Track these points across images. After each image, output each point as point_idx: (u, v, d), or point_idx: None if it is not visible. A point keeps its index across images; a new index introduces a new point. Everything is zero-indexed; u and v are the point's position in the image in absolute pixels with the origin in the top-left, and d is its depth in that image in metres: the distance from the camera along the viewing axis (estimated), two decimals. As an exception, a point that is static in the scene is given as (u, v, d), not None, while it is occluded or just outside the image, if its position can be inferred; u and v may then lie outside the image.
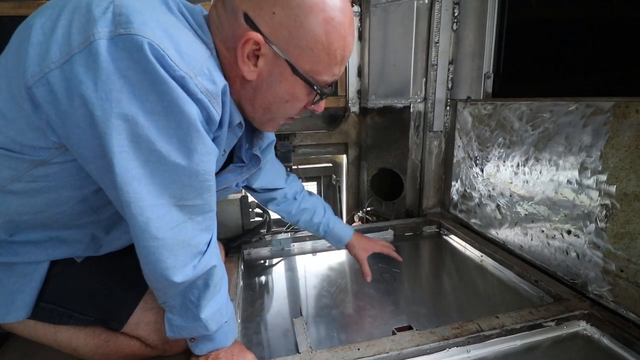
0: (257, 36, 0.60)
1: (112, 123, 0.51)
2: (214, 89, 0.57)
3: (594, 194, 0.97)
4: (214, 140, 0.66)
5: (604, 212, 0.95)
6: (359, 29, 1.75)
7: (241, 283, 1.18)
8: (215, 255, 0.71)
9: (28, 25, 0.55)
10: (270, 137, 1.01)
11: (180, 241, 0.62)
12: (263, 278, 1.28)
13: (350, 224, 1.89)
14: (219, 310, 0.72)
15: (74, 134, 0.55)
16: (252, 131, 0.86)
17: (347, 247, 1.19)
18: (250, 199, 1.50)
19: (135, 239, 0.61)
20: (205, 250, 0.68)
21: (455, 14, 1.51)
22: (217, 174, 0.82)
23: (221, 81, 0.60)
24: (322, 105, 0.75)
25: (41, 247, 0.73)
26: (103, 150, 0.53)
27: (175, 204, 0.60)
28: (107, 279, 0.80)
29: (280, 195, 1.15)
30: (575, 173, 1.02)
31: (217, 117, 0.61)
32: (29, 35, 0.53)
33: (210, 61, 0.59)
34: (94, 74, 0.50)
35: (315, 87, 0.67)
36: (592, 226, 0.98)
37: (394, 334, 0.88)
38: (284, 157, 1.79)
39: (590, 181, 0.98)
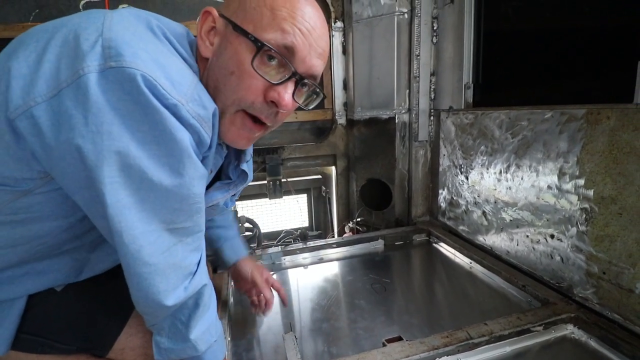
0: (212, 10, 0.63)
1: (103, 156, 0.51)
2: (205, 114, 0.58)
3: (574, 198, 1.00)
4: (202, 160, 0.66)
5: (584, 215, 0.97)
6: (342, 43, 1.79)
7: (231, 299, 1.16)
8: (205, 274, 0.70)
9: (8, 57, 0.54)
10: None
11: (171, 264, 0.62)
12: (254, 293, 1.26)
13: (341, 235, 1.90)
14: (208, 330, 0.71)
15: (59, 166, 0.54)
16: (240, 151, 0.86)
17: (240, 264, 1.08)
18: (240, 213, 1.50)
19: (126, 266, 0.59)
20: (196, 271, 0.67)
21: (435, 28, 1.56)
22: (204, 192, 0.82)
23: (211, 105, 0.60)
24: (282, 93, 0.62)
25: (17, 282, 0.70)
26: (91, 181, 0.53)
27: (165, 228, 0.60)
28: (88, 305, 0.77)
29: None
30: (555, 178, 1.05)
31: (208, 140, 0.61)
32: (9, 68, 0.53)
33: (199, 86, 0.59)
34: (84, 107, 0.50)
35: (251, 36, 0.59)
36: (573, 230, 1.01)
37: (384, 345, 0.88)
38: (273, 170, 1.80)
39: (569, 186, 1.01)
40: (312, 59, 0.63)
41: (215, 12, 0.64)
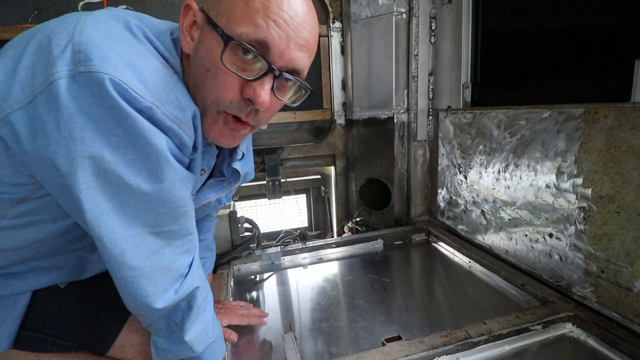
0: (192, 3, 0.61)
1: (76, 161, 0.51)
2: (182, 116, 0.57)
3: (572, 197, 1.00)
4: (190, 163, 0.65)
5: (582, 214, 0.97)
6: (341, 43, 1.79)
7: (231, 300, 1.16)
8: (198, 276, 0.70)
9: None
10: (247, 163, 0.96)
11: (158, 268, 0.61)
12: (254, 294, 1.27)
13: (340, 235, 1.90)
14: (205, 331, 0.71)
15: (37, 172, 0.55)
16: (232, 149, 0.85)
17: None
18: (239, 213, 1.50)
19: (112, 270, 0.60)
20: (187, 273, 0.67)
21: (433, 28, 1.56)
22: (197, 191, 0.82)
23: (190, 106, 0.59)
24: (258, 90, 0.58)
25: (23, 277, 0.71)
26: (68, 187, 0.53)
27: (150, 232, 0.60)
28: (90, 303, 0.79)
29: None
30: (553, 177, 1.05)
31: (190, 142, 0.60)
32: None
33: (178, 87, 0.57)
34: (56, 114, 0.49)
35: (219, 30, 0.56)
36: (572, 229, 1.01)
37: (383, 344, 0.88)
38: (272, 170, 1.80)
39: (567, 185, 1.01)
40: (291, 52, 0.58)
41: (195, 6, 0.61)
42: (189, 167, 0.66)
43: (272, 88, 0.60)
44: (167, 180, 0.57)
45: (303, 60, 0.61)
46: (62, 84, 0.49)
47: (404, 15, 1.56)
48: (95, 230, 0.55)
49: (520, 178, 1.17)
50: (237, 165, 0.81)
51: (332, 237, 1.93)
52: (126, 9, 1.53)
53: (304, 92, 0.66)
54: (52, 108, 0.49)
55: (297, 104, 0.67)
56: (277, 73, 0.59)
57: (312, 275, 1.36)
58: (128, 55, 0.52)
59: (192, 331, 0.68)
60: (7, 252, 0.67)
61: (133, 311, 0.67)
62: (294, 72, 0.61)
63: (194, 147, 0.63)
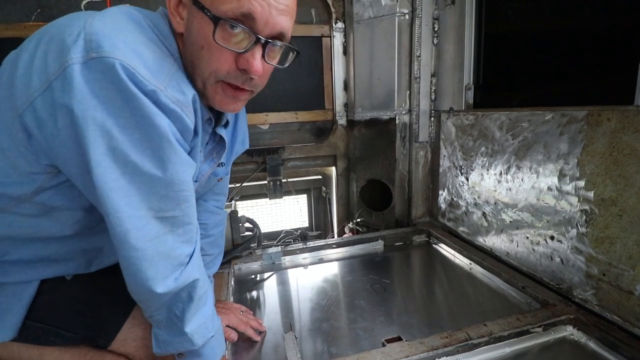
0: None
1: (89, 139, 0.55)
2: (184, 99, 0.61)
3: (574, 200, 1.00)
4: (191, 150, 0.68)
5: (584, 217, 0.97)
6: (343, 44, 1.79)
7: (231, 299, 1.16)
8: (198, 268, 0.71)
9: (15, 61, 0.60)
10: (240, 143, 0.98)
11: (160, 252, 0.63)
12: (254, 293, 1.27)
13: (341, 235, 1.90)
14: (205, 324, 0.72)
15: (62, 154, 0.58)
16: (215, 114, 0.85)
17: None
18: (240, 213, 1.50)
19: (117, 249, 0.62)
20: (188, 262, 0.69)
21: (435, 29, 1.56)
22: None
23: (190, 91, 0.62)
24: (251, 60, 0.63)
25: (32, 266, 0.73)
26: (86, 164, 0.57)
27: (154, 216, 0.62)
28: (95, 295, 0.80)
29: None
30: (555, 180, 1.05)
31: (192, 125, 0.64)
32: (15, 69, 0.58)
33: (178, 74, 0.62)
34: (70, 96, 0.53)
35: (207, 11, 0.60)
36: (573, 231, 1.01)
37: (383, 345, 0.88)
38: (273, 170, 1.80)
39: (570, 187, 1.01)
40: (274, 18, 0.62)
41: None
42: (190, 154, 0.69)
43: (262, 56, 0.65)
44: (170, 162, 0.60)
45: (286, 23, 0.65)
46: (76, 69, 0.53)
47: (407, 16, 1.56)
48: (103, 207, 0.59)
49: (522, 180, 1.17)
50: (221, 131, 0.83)
51: (333, 237, 1.93)
52: (129, 7, 1.54)
53: (291, 53, 0.71)
54: (66, 91, 0.53)
55: (287, 64, 0.72)
56: (264, 41, 0.63)
57: (313, 275, 1.36)
58: (134, 44, 0.57)
59: (193, 323, 0.69)
60: (24, 236, 0.70)
61: (135, 295, 0.68)
62: (280, 36, 0.65)
63: (195, 132, 0.67)
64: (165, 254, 0.64)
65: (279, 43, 0.65)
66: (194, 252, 0.70)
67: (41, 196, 0.65)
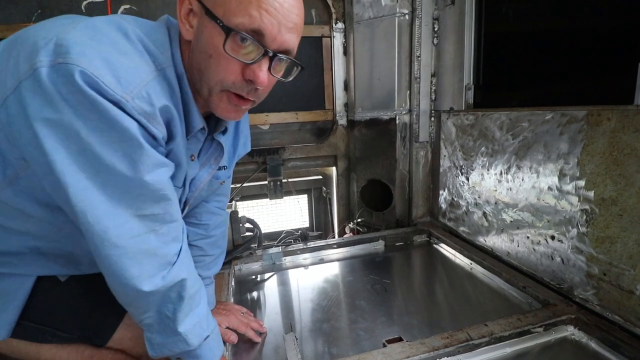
0: None
1: (58, 139, 0.55)
2: (151, 110, 0.61)
3: (574, 200, 1.00)
4: (169, 153, 0.69)
5: (585, 217, 0.97)
6: (343, 44, 1.79)
7: (232, 300, 1.17)
8: (186, 267, 0.71)
9: None
10: (242, 146, 0.99)
11: (143, 250, 0.63)
12: (255, 294, 1.27)
13: (342, 236, 1.90)
14: (199, 323, 0.72)
15: (26, 152, 0.59)
16: (215, 121, 0.86)
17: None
18: (241, 213, 1.50)
19: (96, 250, 0.61)
20: (175, 262, 0.68)
21: (435, 29, 1.56)
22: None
23: (159, 101, 0.62)
24: (257, 72, 0.65)
25: (21, 258, 0.73)
26: (51, 166, 0.57)
27: (133, 215, 0.62)
28: (90, 297, 0.81)
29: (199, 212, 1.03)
30: (555, 179, 1.05)
31: (160, 135, 0.64)
32: None
33: (153, 84, 0.62)
34: (40, 98, 0.55)
35: (219, 22, 0.61)
36: (574, 231, 1.01)
37: (384, 346, 0.88)
38: (274, 170, 1.81)
39: (570, 187, 1.01)
40: (283, 36, 0.64)
41: None
42: (168, 157, 0.69)
43: (268, 68, 0.67)
44: (141, 163, 0.60)
45: (293, 41, 0.68)
46: (44, 71, 0.54)
47: (407, 17, 1.56)
48: (78, 206, 0.58)
49: (522, 180, 1.17)
50: (219, 138, 0.84)
51: (333, 237, 1.94)
52: (129, 8, 1.54)
53: (295, 68, 0.73)
54: (35, 92, 0.55)
55: (291, 78, 0.75)
56: (271, 55, 0.66)
57: (313, 275, 1.36)
58: (107, 53, 0.57)
59: (186, 323, 0.69)
60: (12, 222, 0.70)
61: (121, 298, 0.68)
62: (286, 51, 0.68)
63: (170, 138, 0.68)
64: (150, 252, 0.64)
65: (285, 57, 0.68)
66: (181, 250, 0.70)
67: (16, 186, 0.65)
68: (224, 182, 0.97)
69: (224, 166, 0.92)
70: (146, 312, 0.68)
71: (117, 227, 0.60)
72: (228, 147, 0.90)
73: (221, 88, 0.68)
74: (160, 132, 0.64)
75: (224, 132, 0.85)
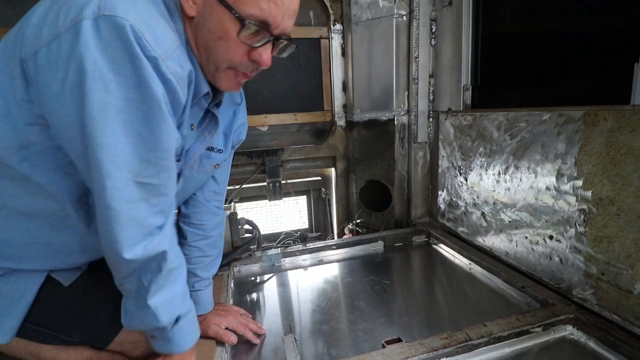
0: None
1: (87, 90, 0.57)
2: (181, 72, 0.65)
3: (572, 200, 1.00)
4: (179, 125, 0.72)
5: (582, 216, 0.97)
6: (342, 45, 1.80)
7: (231, 301, 1.17)
8: (169, 241, 0.71)
9: (29, 13, 0.63)
10: (238, 129, 1.00)
11: (132, 217, 0.64)
12: (254, 295, 1.27)
13: (341, 237, 1.90)
14: (171, 300, 0.72)
15: (52, 105, 0.60)
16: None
17: (207, 320, 0.97)
18: (240, 215, 1.50)
19: (96, 204, 0.64)
20: (158, 234, 0.69)
21: (433, 30, 1.57)
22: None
23: (187, 66, 0.67)
24: (264, 55, 0.73)
25: (24, 250, 0.74)
26: (75, 117, 0.59)
27: (133, 180, 0.63)
28: (92, 303, 0.81)
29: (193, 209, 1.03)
30: (553, 179, 1.05)
31: (183, 99, 0.67)
32: (29, 19, 0.61)
33: (180, 49, 0.66)
34: (77, 47, 0.56)
35: (234, 12, 0.66)
36: (572, 231, 1.01)
37: (383, 347, 0.88)
38: (273, 172, 1.81)
39: (567, 187, 1.01)
40: (285, 22, 0.71)
41: None
42: (178, 129, 0.72)
43: (271, 50, 0.74)
44: (157, 126, 0.63)
45: (291, 25, 0.75)
46: (87, 24, 0.55)
47: (405, 18, 1.56)
48: (87, 160, 0.61)
49: (520, 180, 1.17)
50: (214, 109, 0.86)
51: (333, 238, 1.94)
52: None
53: (290, 46, 0.80)
54: (74, 44, 0.56)
55: (285, 55, 0.82)
56: (274, 39, 0.73)
57: (313, 276, 1.36)
58: (145, 14, 0.60)
59: (158, 296, 0.69)
60: (15, 202, 0.70)
61: (107, 258, 0.69)
62: (285, 34, 0.75)
63: (183, 110, 0.70)
64: (137, 220, 0.65)
65: (285, 40, 0.75)
66: (165, 224, 0.70)
67: (25, 152, 0.66)
68: (218, 165, 0.97)
69: (220, 149, 0.93)
70: (127, 277, 0.70)
71: (115, 190, 0.62)
72: (224, 126, 0.94)
73: (228, 66, 0.74)
74: (183, 95, 0.67)
75: (218, 104, 0.88)
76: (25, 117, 0.63)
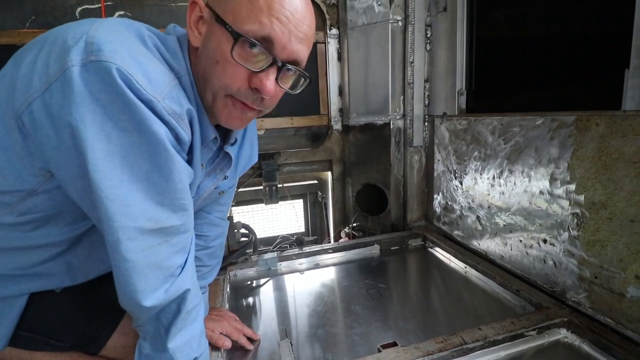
0: (199, 0, 0.66)
1: (87, 143, 0.54)
2: (180, 111, 0.61)
3: (565, 204, 1.01)
4: (188, 163, 0.68)
5: (575, 220, 0.98)
6: (338, 50, 1.81)
7: (227, 306, 1.16)
8: (190, 278, 0.69)
9: (18, 61, 0.60)
10: (247, 157, 0.98)
11: (151, 264, 0.62)
12: (250, 299, 1.26)
13: (337, 240, 1.90)
14: (190, 342, 0.69)
15: (55, 157, 0.58)
16: (223, 133, 0.85)
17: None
18: (236, 219, 1.50)
19: (110, 256, 0.61)
20: (179, 274, 0.67)
21: (428, 35, 1.59)
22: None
23: (187, 104, 0.63)
24: (264, 81, 0.64)
25: (15, 281, 0.72)
26: (81, 169, 0.56)
27: (149, 227, 0.60)
28: (84, 306, 0.80)
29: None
30: (546, 184, 1.06)
31: (187, 137, 0.63)
32: (18, 70, 0.58)
33: (177, 88, 0.62)
34: (70, 98, 0.53)
35: (228, 27, 0.61)
36: (565, 234, 1.02)
37: (379, 351, 0.88)
38: (269, 176, 1.81)
39: (561, 191, 1.02)
40: (292, 45, 0.64)
41: (201, 2, 0.66)
42: (189, 164, 0.68)
43: (276, 78, 0.65)
44: (166, 168, 0.60)
45: (303, 52, 0.66)
46: (76, 71, 0.53)
47: (400, 23, 1.58)
48: (97, 213, 0.58)
49: (514, 184, 1.18)
50: (228, 149, 0.83)
51: (329, 242, 1.94)
52: (124, 14, 1.54)
53: (303, 80, 0.72)
54: (66, 93, 0.53)
55: (298, 90, 0.73)
56: (280, 64, 0.64)
57: (309, 280, 1.36)
58: (136, 54, 0.57)
59: (178, 339, 0.67)
60: (8, 248, 0.69)
61: (124, 306, 0.66)
62: (295, 62, 0.67)
63: (191, 147, 0.67)
64: (157, 264, 0.62)
65: (293, 68, 0.66)
66: (186, 261, 0.69)
67: (32, 200, 0.64)
68: (223, 192, 0.96)
69: (225, 176, 0.91)
70: (147, 321, 0.67)
71: (130, 241, 0.59)
72: (234, 158, 0.89)
73: (225, 93, 0.66)
74: (187, 134, 0.63)
75: (233, 143, 0.85)
76: (28, 169, 0.61)
